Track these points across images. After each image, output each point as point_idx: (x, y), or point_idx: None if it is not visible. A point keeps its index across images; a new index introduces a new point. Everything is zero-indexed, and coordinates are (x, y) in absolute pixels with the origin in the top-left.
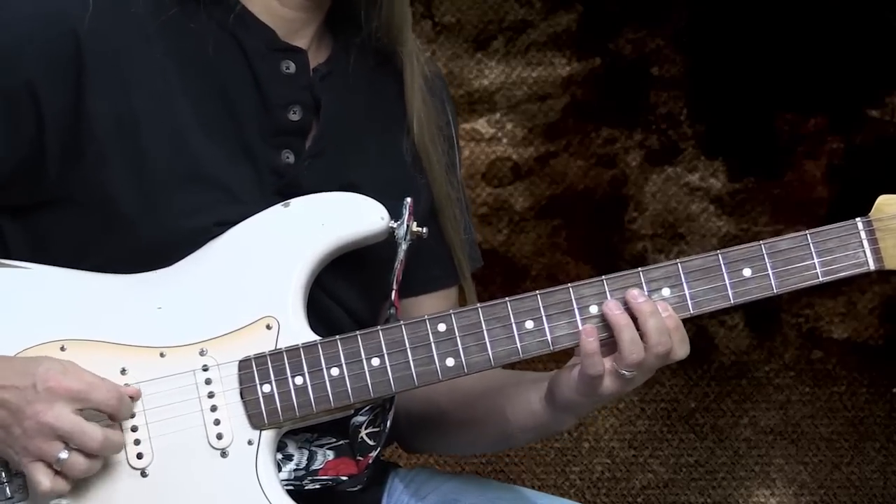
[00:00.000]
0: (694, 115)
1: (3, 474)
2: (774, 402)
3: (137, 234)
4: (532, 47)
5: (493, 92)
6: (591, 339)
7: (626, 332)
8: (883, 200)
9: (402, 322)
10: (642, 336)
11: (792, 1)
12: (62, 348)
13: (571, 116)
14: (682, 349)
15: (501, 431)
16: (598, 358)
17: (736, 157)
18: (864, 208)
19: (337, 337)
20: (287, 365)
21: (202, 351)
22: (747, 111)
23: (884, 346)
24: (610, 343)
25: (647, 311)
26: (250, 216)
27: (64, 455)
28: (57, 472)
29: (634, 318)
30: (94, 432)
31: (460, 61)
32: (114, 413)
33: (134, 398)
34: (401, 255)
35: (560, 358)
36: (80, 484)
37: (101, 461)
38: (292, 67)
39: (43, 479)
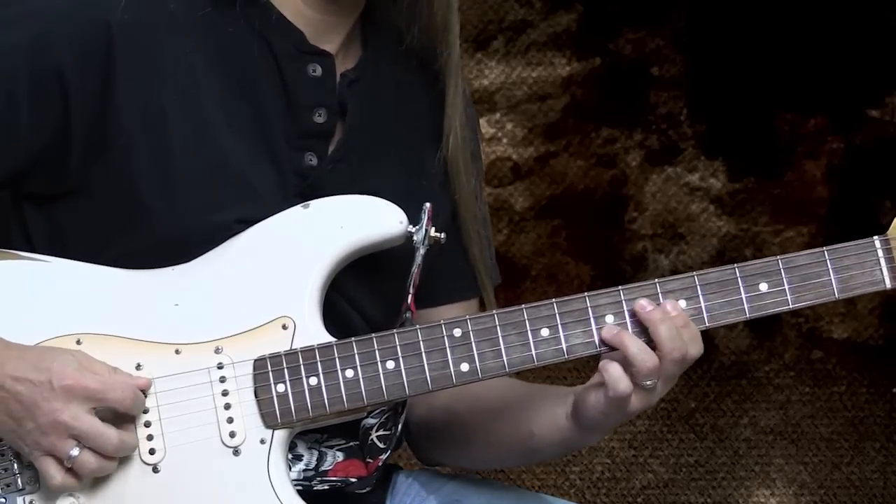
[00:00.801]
0: (694, 115)
1: (16, 465)
2: (774, 402)
3: (157, 227)
4: (532, 47)
5: (493, 92)
6: (613, 365)
7: (632, 346)
8: None
9: (417, 326)
10: (656, 346)
11: (792, 1)
12: (78, 342)
13: (571, 116)
14: (694, 348)
15: (527, 447)
16: (626, 382)
17: (736, 157)
18: (864, 208)
19: (352, 339)
20: (302, 365)
21: (217, 349)
22: (747, 111)
23: (884, 346)
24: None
25: (657, 318)
26: (270, 216)
27: (75, 452)
28: (67, 469)
29: (645, 329)
30: (110, 435)
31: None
32: (128, 411)
33: (146, 390)
34: (418, 259)
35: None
36: (92, 479)
37: (116, 462)
38: (319, 71)
39: (55, 473)
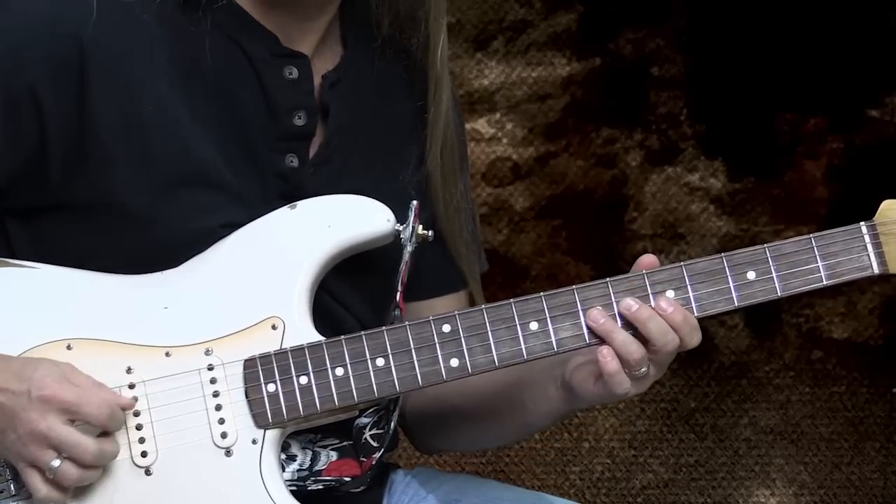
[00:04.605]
0: (694, 115)
1: (8, 471)
2: (774, 402)
3: (143, 236)
4: (532, 47)
5: (493, 92)
6: (609, 360)
7: (618, 337)
8: (887, 205)
9: (406, 323)
10: (647, 342)
11: (792, 1)
12: (68, 347)
13: (571, 116)
14: (693, 339)
15: (522, 422)
16: (622, 376)
17: (736, 157)
18: (864, 208)
19: (342, 337)
20: (292, 365)
21: (207, 350)
22: (747, 111)
23: (884, 346)
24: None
25: (644, 317)
26: (255, 219)
27: (56, 463)
28: (50, 480)
29: (633, 327)
30: (87, 445)
31: (460, 61)
32: (103, 427)
33: (127, 409)
34: (406, 257)
35: None
36: (79, 485)
37: (99, 471)
38: (295, 73)
39: (39, 485)
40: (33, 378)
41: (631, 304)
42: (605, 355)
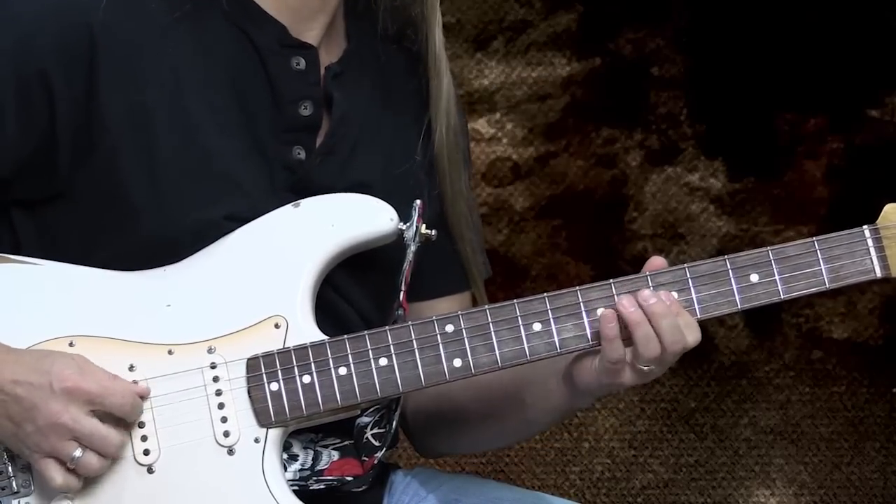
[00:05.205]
0: (694, 115)
1: (10, 468)
2: (774, 402)
3: (146, 227)
4: (532, 47)
5: (493, 92)
6: (611, 325)
7: (642, 329)
8: (890, 208)
9: (410, 322)
10: (658, 336)
11: (792, 1)
12: (71, 344)
13: (571, 116)
14: (692, 336)
15: (522, 419)
16: (619, 343)
17: (736, 157)
18: (864, 208)
19: (345, 336)
20: (295, 363)
21: (210, 349)
22: (747, 111)
23: (884, 346)
24: (626, 338)
25: (660, 312)
26: (261, 211)
27: (78, 454)
28: (69, 469)
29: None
30: (112, 436)
31: (460, 61)
32: (126, 417)
33: (144, 397)
34: (409, 256)
35: None
36: (86, 480)
37: (111, 461)
38: (302, 64)
39: (56, 475)
40: (52, 371)
41: (648, 297)
42: (609, 318)
